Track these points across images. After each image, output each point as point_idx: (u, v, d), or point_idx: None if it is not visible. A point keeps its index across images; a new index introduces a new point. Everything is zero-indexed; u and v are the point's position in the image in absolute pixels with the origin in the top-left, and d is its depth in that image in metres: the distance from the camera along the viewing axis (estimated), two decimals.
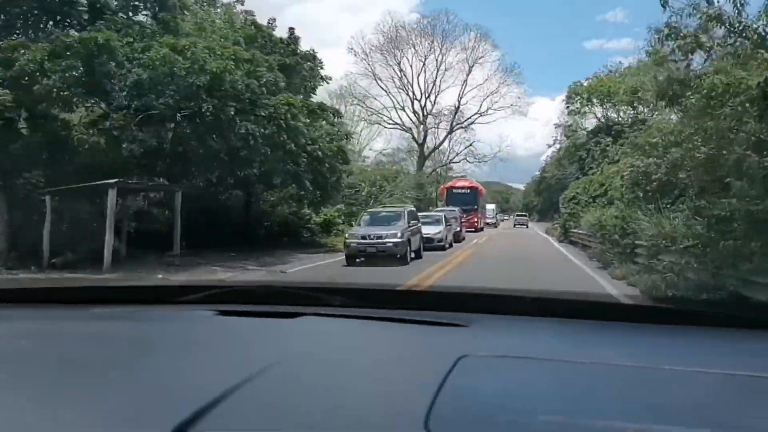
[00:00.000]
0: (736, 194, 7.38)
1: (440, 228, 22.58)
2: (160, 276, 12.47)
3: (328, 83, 27.71)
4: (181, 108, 16.46)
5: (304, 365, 1.04)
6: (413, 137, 56.65)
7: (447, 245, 22.84)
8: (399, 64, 54.93)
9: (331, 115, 24.27)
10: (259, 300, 1.53)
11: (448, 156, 59.26)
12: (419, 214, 22.08)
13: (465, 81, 55.70)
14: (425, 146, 56.71)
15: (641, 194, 14.13)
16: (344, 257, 17.05)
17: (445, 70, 55.34)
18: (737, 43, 8.14)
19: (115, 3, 18.19)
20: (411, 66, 55.17)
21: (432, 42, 55.43)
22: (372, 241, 16.59)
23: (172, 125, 17.58)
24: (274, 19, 24.05)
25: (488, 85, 55.63)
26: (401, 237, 16.74)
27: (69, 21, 17.72)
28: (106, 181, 14.22)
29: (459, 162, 58.91)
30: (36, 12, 17.50)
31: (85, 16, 17.51)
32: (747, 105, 6.87)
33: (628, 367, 1.02)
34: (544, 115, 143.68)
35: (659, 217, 11.81)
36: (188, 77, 15.41)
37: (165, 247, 16.10)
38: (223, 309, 1.42)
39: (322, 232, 26.50)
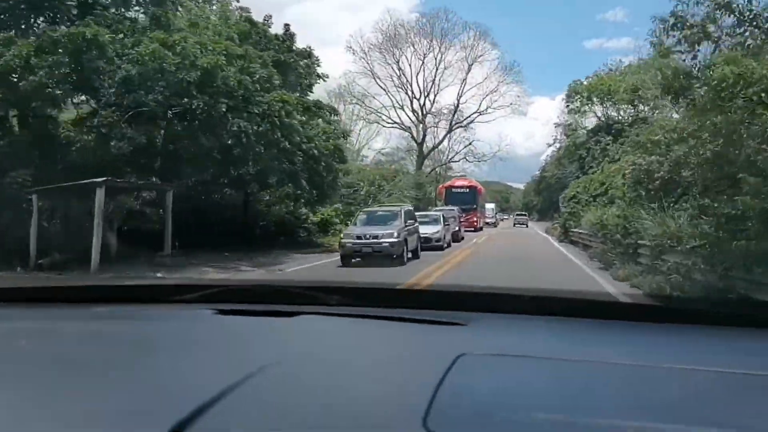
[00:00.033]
0: (748, 191, 7.02)
1: (438, 227, 22.37)
2: (159, 275, 12.22)
3: (324, 81, 27.43)
4: (171, 105, 16.11)
5: (302, 364, 1.04)
6: (412, 136, 56.49)
7: (445, 245, 22.60)
8: (398, 62, 54.71)
9: (327, 113, 24.02)
10: (258, 299, 1.54)
11: (448, 155, 59.16)
12: (417, 213, 21.88)
13: (464, 80, 55.49)
14: (424, 145, 56.50)
15: (643, 193, 13.89)
16: (339, 257, 16.81)
17: (445, 68, 55.19)
18: (747, 33, 7.78)
19: None
20: (410, 65, 55.00)
21: (431, 40, 55.21)
22: (367, 241, 16.32)
23: (163, 122, 17.24)
24: (270, 16, 23.81)
25: (488, 84, 55.44)
26: (397, 237, 16.48)
27: (58, 16, 17.39)
28: (94, 180, 13.93)
29: (458, 161, 58.88)
30: (23, 7, 17.15)
31: (75, 12, 17.19)
32: (763, 95, 6.50)
33: (627, 365, 1.02)
34: (544, 115, 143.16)
35: (663, 216, 11.49)
36: (178, 73, 15.06)
37: (156, 247, 15.79)
38: (222, 308, 1.42)
39: (320, 232, 26.30)
